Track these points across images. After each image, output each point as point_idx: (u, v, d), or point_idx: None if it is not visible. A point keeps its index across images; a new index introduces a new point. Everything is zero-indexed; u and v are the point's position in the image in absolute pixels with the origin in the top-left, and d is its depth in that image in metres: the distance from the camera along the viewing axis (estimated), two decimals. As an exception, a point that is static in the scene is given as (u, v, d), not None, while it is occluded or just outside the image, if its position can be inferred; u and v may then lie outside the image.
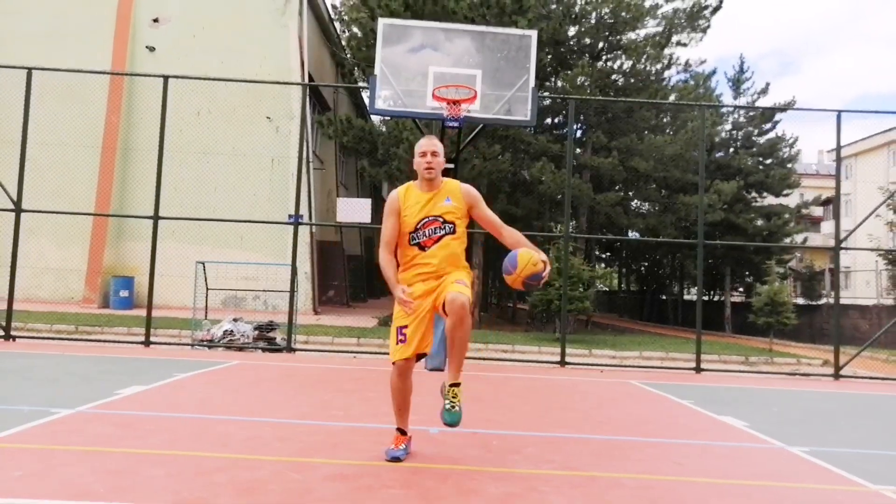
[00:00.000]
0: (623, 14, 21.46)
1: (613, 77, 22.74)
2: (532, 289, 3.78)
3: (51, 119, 15.67)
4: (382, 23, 8.47)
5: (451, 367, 3.88)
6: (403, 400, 4.03)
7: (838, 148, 10.11)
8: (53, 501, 3.03)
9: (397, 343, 3.90)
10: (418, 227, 3.93)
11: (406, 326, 3.87)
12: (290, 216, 10.17)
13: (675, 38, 22.76)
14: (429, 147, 3.97)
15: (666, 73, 24.15)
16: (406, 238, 3.96)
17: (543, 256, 3.79)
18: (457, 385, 3.85)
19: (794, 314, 17.72)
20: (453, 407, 3.81)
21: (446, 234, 3.93)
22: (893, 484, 3.96)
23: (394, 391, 4.01)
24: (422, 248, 3.94)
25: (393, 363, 3.94)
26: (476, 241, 18.35)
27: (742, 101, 29.29)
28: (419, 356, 3.96)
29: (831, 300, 25.50)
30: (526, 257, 3.76)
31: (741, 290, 32.46)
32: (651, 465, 4.24)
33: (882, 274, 24.44)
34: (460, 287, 3.75)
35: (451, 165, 8.33)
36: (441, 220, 3.93)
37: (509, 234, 4.02)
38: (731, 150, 28.58)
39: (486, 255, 21.22)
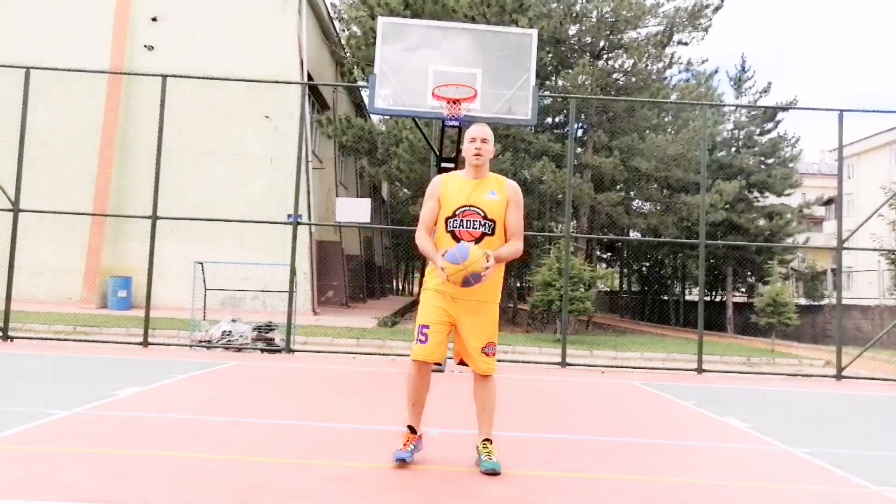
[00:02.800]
0: (624, 13, 21.43)
1: (615, 76, 22.71)
2: (468, 286, 3.66)
3: (49, 119, 15.66)
4: (382, 21, 8.44)
5: (482, 426, 3.94)
6: (418, 396, 3.93)
7: (840, 147, 10.08)
8: (52, 502, 3.00)
9: (418, 341, 3.84)
10: (457, 212, 3.82)
11: (428, 326, 3.81)
12: (288, 216, 10.14)
13: (676, 37, 22.72)
14: (479, 133, 3.90)
15: (667, 72, 24.13)
16: (443, 223, 3.86)
17: (492, 262, 3.69)
18: (489, 440, 3.90)
19: (796, 314, 17.70)
20: (490, 458, 3.81)
21: (487, 233, 3.82)
22: (895, 485, 3.93)
23: (410, 386, 3.92)
24: (456, 238, 3.82)
25: (412, 361, 3.88)
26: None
27: (744, 100, 29.25)
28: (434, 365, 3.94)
29: (833, 300, 25.49)
30: (478, 254, 3.64)
31: (743, 290, 32.42)
32: (652, 466, 4.21)
33: (884, 274, 24.40)
34: (487, 361, 3.84)
35: (452, 165, 8.30)
36: (482, 213, 3.82)
37: (511, 245, 3.88)
38: (733, 149, 28.55)
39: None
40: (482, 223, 3.81)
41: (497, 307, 3.99)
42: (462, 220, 3.82)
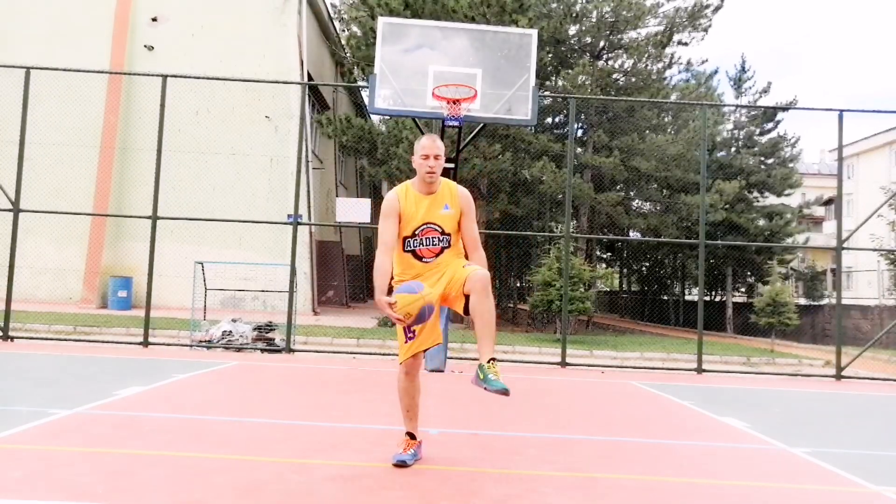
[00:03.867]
0: (624, 13, 21.43)
1: (614, 76, 22.70)
2: (422, 321, 3.58)
3: (49, 119, 15.66)
4: (382, 21, 8.44)
5: (483, 345, 3.60)
6: (412, 401, 3.92)
7: (840, 147, 10.08)
8: (52, 502, 3.01)
9: (406, 341, 3.79)
10: (416, 232, 3.79)
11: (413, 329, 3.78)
12: (289, 216, 10.15)
13: (676, 37, 22.72)
14: (432, 150, 3.78)
15: (667, 73, 24.14)
16: (401, 243, 3.80)
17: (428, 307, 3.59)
18: (494, 359, 3.57)
19: (796, 314, 17.68)
20: (497, 377, 3.49)
21: (446, 247, 3.82)
22: (895, 485, 3.93)
23: (401, 392, 3.92)
24: (417, 256, 3.79)
25: (401, 363, 3.85)
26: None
27: (743, 100, 29.24)
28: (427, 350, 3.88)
29: (833, 300, 25.49)
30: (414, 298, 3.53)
31: (743, 290, 32.40)
32: (652, 466, 4.21)
33: (884, 274, 24.39)
34: (474, 266, 3.71)
35: (452, 165, 8.30)
36: (440, 230, 3.80)
37: (477, 256, 3.84)
38: (733, 149, 28.53)
39: (488, 257, 21.15)
40: (440, 238, 3.81)
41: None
42: (422, 239, 3.80)
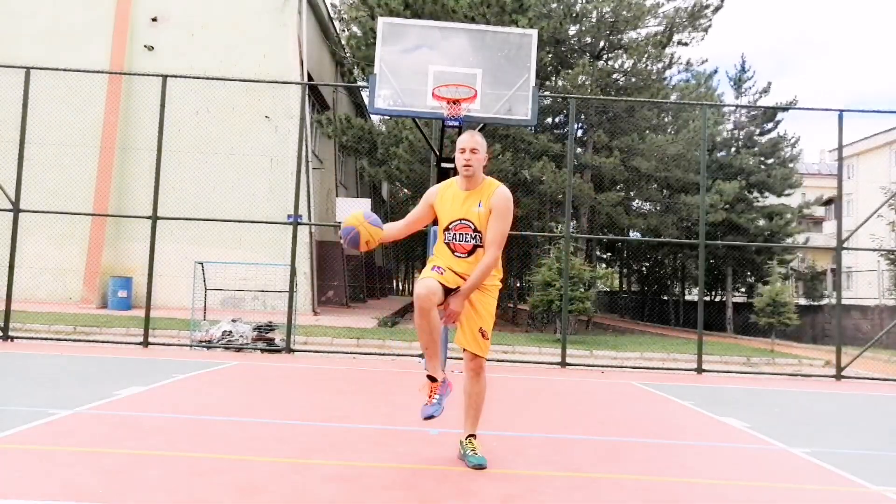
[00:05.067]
0: (624, 13, 21.43)
1: (614, 76, 22.70)
2: (354, 245, 3.90)
3: (49, 119, 15.65)
4: (382, 22, 8.44)
5: (466, 421, 4.01)
6: (430, 338, 3.76)
7: (840, 147, 10.08)
8: (52, 502, 3.00)
9: (432, 270, 3.83)
10: (450, 226, 3.91)
11: (442, 268, 3.85)
12: (289, 216, 10.16)
13: (676, 38, 22.72)
14: (468, 144, 3.88)
15: (667, 73, 24.13)
16: (441, 234, 3.97)
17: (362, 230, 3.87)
18: (473, 436, 3.99)
19: (796, 315, 17.67)
20: (475, 453, 3.91)
21: (478, 245, 3.89)
22: (894, 485, 3.93)
23: (418, 330, 3.80)
24: (452, 250, 3.90)
25: (417, 297, 3.71)
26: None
27: (743, 100, 29.25)
28: (447, 292, 3.83)
29: (833, 300, 25.48)
30: (354, 218, 3.90)
31: (743, 290, 32.40)
32: (652, 466, 4.21)
33: (884, 274, 24.39)
34: (480, 341, 3.87)
35: (451, 165, 8.29)
36: (472, 226, 3.87)
37: (481, 263, 3.82)
38: (733, 149, 28.53)
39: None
40: (473, 235, 3.88)
41: (492, 295, 4.00)
42: (455, 234, 3.90)
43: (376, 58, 8.26)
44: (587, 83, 20.29)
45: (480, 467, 3.82)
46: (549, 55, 21.21)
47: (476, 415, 4.00)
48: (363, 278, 28.42)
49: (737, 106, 30.97)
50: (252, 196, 18.03)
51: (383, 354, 11.21)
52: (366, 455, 4.07)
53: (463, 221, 3.88)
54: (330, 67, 24.73)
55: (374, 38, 8.83)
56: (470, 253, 3.88)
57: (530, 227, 23.15)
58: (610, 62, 23.29)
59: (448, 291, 3.80)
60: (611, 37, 22.42)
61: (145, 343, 9.61)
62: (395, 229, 4.11)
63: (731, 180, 24.95)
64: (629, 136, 21.91)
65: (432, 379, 3.90)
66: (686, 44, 23.06)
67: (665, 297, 37.52)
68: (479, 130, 9.30)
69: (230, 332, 10.32)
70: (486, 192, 3.92)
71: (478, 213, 3.87)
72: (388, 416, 5.36)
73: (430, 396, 3.86)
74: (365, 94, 21.58)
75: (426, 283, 3.73)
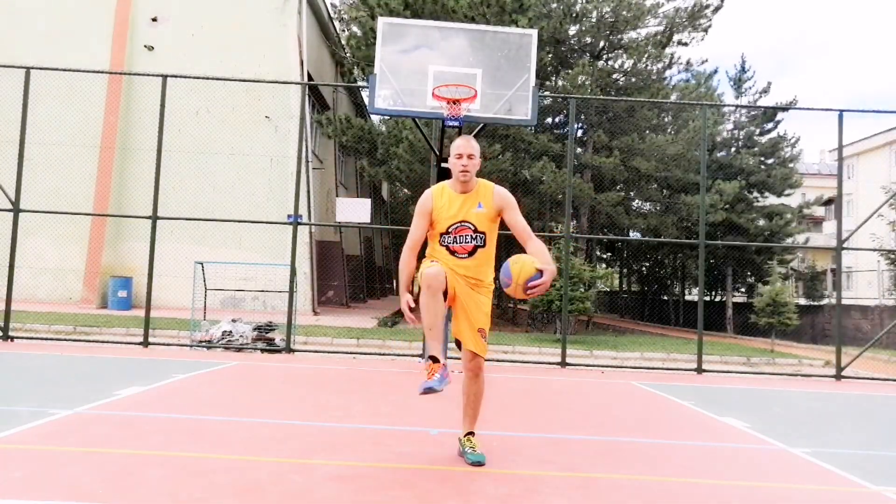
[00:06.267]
0: (624, 13, 21.43)
1: (614, 76, 22.71)
2: (536, 294, 3.69)
3: (49, 119, 15.66)
4: (382, 22, 8.44)
5: (465, 419, 4.07)
6: (433, 319, 3.68)
7: (840, 147, 10.08)
8: (52, 502, 3.00)
9: (432, 262, 3.84)
10: (449, 229, 3.90)
11: (436, 261, 3.87)
12: (289, 216, 10.16)
13: (676, 38, 22.73)
14: (465, 149, 3.90)
15: (667, 73, 24.14)
16: (436, 237, 3.94)
17: (542, 264, 3.67)
18: (472, 434, 4.05)
19: (796, 315, 17.67)
20: (474, 450, 3.97)
21: (479, 246, 3.90)
22: (894, 485, 3.93)
23: (423, 308, 3.72)
24: (451, 252, 3.91)
25: (426, 276, 3.66)
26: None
27: (743, 100, 29.24)
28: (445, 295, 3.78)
29: (833, 300, 25.48)
30: (517, 265, 3.68)
31: (743, 290, 32.40)
32: (652, 466, 4.21)
33: (884, 274, 24.39)
34: (480, 341, 3.89)
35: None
36: (472, 227, 3.89)
37: (534, 246, 3.87)
38: (733, 149, 28.53)
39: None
40: (473, 237, 3.90)
41: (489, 295, 4.01)
42: (455, 237, 3.90)
43: (376, 58, 8.25)
44: (587, 83, 20.29)
45: (479, 464, 3.88)
46: (549, 55, 21.21)
47: (475, 413, 4.06)
48: (363, 278, 28.42)
49: (737, 106, 30.98)
50: (252, 196, 18.04)
51: (383, 354, 11.21)
52: (366, 455, 4.07)
53: (463, 223, 3.90)
54: (330, 67, 24.73)
55: (374, 38, 8.83)
56: (471, 254, 3.91)
57: (530, 227, 23.09)
58: (610, 62, 23.30)
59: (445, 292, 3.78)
60: (611, 37, 22.42)
61: (145, 343, 9.61)
62: (415, 261, 3.94)
63: (731, 180, 24.93)
64: (629, 136, 21.90)
65: (434, 360, 3.77)
66: (686, 44, 23.06)
67: (665, 297, 37.52)
68: (479, 130, 9.31)
69: (230, 332, 10.32)
70: (484, 194, 3.95)
71: (478, 213, 3.91)
72: (388, 416, 5.36)
73: (430, 375, 3.72)
74: (365, 94, 21.58)
75: (435, 267, 3.74)
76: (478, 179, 4.00)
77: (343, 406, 5.77)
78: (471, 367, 3.98)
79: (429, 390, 3.66)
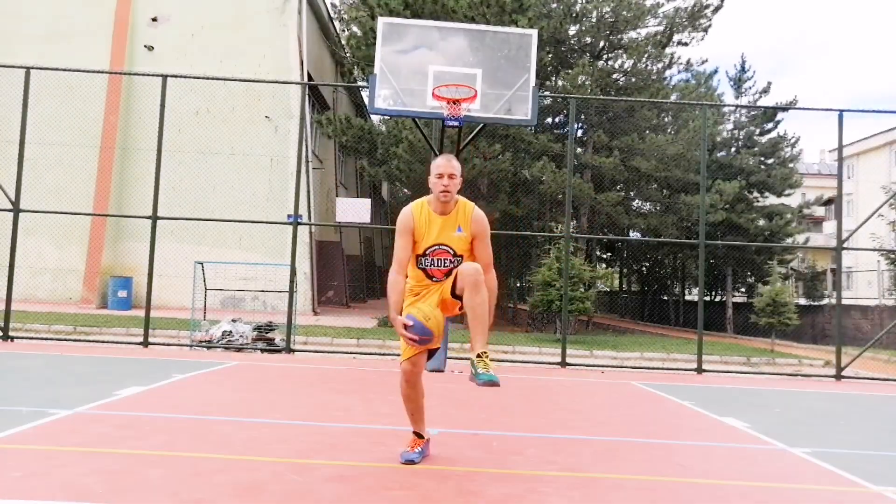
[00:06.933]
0: (624, 13, 21.44)
1: (614, 76, 22.72)
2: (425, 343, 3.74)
3: (49, 119, 15.66)
4: (382, 22, 8.44)
5: (474, 339, 3.65)
6: (415, 405, 3.96)
7: (840, 147, 10.08)
8: (52, 502, 3.00)
9: (413, 324, 3.71)
10: (427, 252, 3.82)
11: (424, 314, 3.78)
12: (289, 216, 10.15)
13: (676, 38, 22.74)
14: (446, 169, 3.77)
15: (667, 73, 24.16)
16: (413, 259, 3.85)
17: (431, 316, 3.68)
18: (485, 353, 3.62)
19: (796, 315, 17.67)
20: (486, 369, 3.55)
21: (456, 268, 3.82)
22: (895, 485, 3.93)
23: (405, 399, 3.94)
24: (428, 275, 3.85)
25: (402, 364, 3.83)
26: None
27: (743, 100, 29.23)
28: (430, 353, 3.90)
29: (833, 300, 25.48)
30: (431, 322, 3.67)
31: (743, 290, 32.40)
32: (652, 466, 4.21)
33: (884, 274, 24.39)
34: (468, 262, 3.76)
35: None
36: (451, 251, 3.82)
37: (491, 281, 3.81)
38: (733, 149, 28.53)
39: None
40: (451, 260, 3.83)
41: None
42: (433, 260, 3.83)
43: (376, 58, 8.26)
44: (587, 83, 20.29)
45: (491, 383, 3.49)
46: (549, 55, 21.22)
47: (483, 329, 3.65)
48: (363, 278, 28.43)
49: (737, 106, 30.97)
50: (252, 196, 18.04)
51: (383, 354, 11.21)
52: (366, 455, 4.07)
53: (441, 247, 3.81)
54: (330, 67, 24.74)
55: (374, 38, 8.83)
56: (447, 275, 3.83)
57: (530, 227, 23.16)
58: (610, 62, 23.31)
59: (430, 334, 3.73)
60: (611, 37, 22.43)
61: (145, 343, 9.61)
62: (404, 282, 3.87)
63: (731, 180, 24.93)
64: (629, 136, 21.91)
65: (418, 435, 4.03)
66: (686, 44, 23.07)
67: (665, 297, 37.52)
68: (479, 130, 9.31)
69: (230, 332, 10.32)
70: (463, 216, 3.85)
71: (458, 237, 3.83)
72: (388, 416, 5.35)
73: (412, 448, 3.99)
74: (365, 94, 21.57)
75: (411, 360, 3.80)
76: (458, 198, 3.88)
77: (343, 407, 5.77)
78: (468, 278, 3.64)
79: (409, 462, 3.89)
